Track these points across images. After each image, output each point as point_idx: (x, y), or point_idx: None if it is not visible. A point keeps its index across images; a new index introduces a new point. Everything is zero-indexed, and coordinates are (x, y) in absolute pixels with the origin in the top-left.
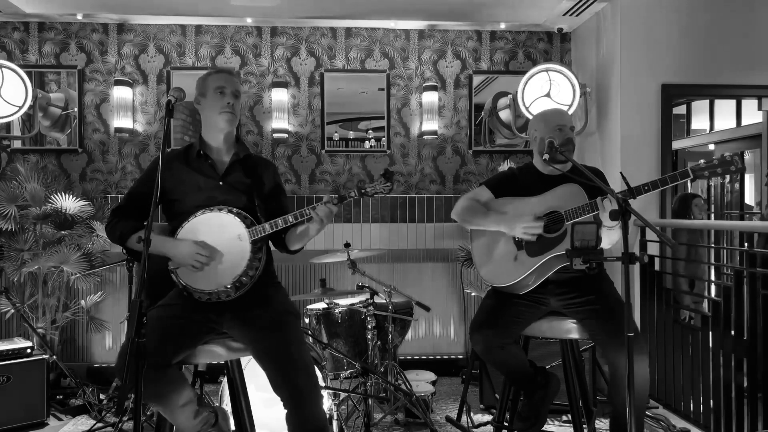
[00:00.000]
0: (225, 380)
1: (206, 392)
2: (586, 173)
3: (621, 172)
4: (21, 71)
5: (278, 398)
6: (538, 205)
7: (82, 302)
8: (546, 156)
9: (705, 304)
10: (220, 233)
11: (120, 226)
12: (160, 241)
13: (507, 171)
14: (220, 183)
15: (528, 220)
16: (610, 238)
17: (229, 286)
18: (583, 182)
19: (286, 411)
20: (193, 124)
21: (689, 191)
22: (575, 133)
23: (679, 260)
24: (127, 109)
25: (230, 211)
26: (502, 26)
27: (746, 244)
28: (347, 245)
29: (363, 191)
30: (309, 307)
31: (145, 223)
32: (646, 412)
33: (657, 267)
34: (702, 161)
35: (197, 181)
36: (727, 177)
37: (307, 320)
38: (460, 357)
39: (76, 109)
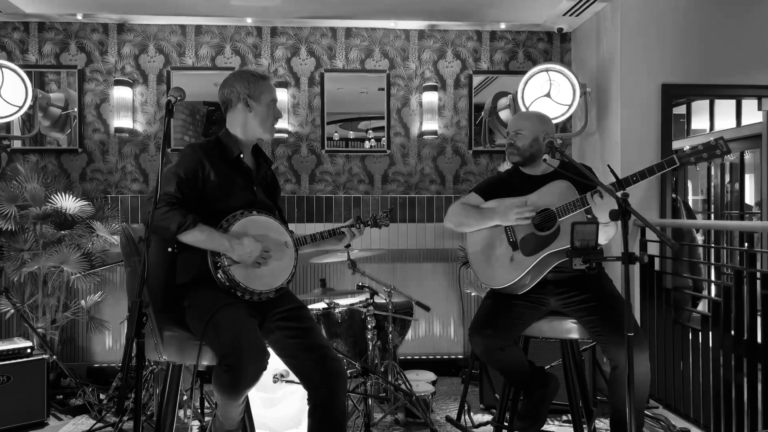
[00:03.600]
0: None
1: (206, 392)
2: (572, 172)
3: (609, 165)
4: (21, 71)
5: (278, 398)
6: (529, 203)
7: (82, 302)
8: (546, 156)
9: (704, 305)
10: (271, 237)
11: (178, 216)
12: (222, 238)
13: (495, 176)
14: (255, 188)
15: (519, 205)
16: (606, 233)
17: (277, 288)
18: (572, 178)
19: (312, 403)
20: (193, 124)
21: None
22: (577, 132)
23: (680, 260)
24: (127, 109)
25: (274, 216)
26: (502, 26)
27: (746, 244)
28: (347, 245)
29: (376, 221)
30: (309, 307)
31: (147, 223)
32: (646, 412)
33: (657, 267)
34: (687, 147)
35: (238, 182)
36: (715, 161)
37: None
38: (460, 357)
39: (76, 109)
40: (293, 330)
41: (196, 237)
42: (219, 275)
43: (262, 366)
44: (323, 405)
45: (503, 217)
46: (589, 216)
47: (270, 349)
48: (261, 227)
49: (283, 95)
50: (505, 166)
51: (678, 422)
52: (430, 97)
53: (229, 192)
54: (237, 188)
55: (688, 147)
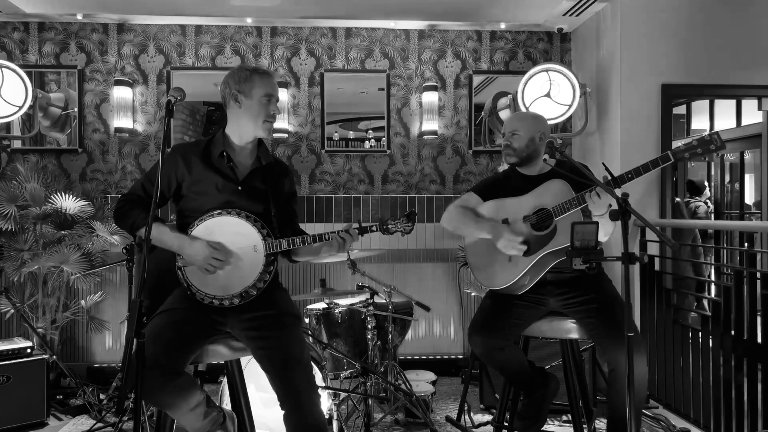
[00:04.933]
0: (225, 380)
1: (207, 392)
2: (569, 171)
3: (603, 163)
4: (21, 71)
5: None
6: (525, 203)
7: (82, 302)
8: (546, 156)
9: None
10: (237, 240)
11: (133, 215)
12: (173, 237)
13: (493, 175)
14: (239, 188)
15: (510, 236)
16: (605, 229)
17: (235, 295)
18: (569, 177)
19: (283, 412)
20: (193, 124)
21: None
22: (577, 132)
23: (680, 260)
24: (127, 109)
25: (248, 218)
26: (502, 26)
27: (746, 244)
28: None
29: (384, 227)
30: (309, 307)
31: (146, 223)
32: (647, 412)
33: (657, 267)
34: (681, 144)
35: (216, 182)
36: (711, 156)
37: (307, 320)
38: (460, 357)
39: (76, 109)
40: (257, 340)
41: (151, 233)
42: (179, 274)
43: (156, 383)
44: (290, 417)
45: (495, 235)
46: (585, 214)
47: None
48: (228, 230)
49: (283, 95)
50: (505, 166)
51: (678, 422)
52: (430, 97)
53: (203, 191)
54: (212, 188)
55: (682, 144)
